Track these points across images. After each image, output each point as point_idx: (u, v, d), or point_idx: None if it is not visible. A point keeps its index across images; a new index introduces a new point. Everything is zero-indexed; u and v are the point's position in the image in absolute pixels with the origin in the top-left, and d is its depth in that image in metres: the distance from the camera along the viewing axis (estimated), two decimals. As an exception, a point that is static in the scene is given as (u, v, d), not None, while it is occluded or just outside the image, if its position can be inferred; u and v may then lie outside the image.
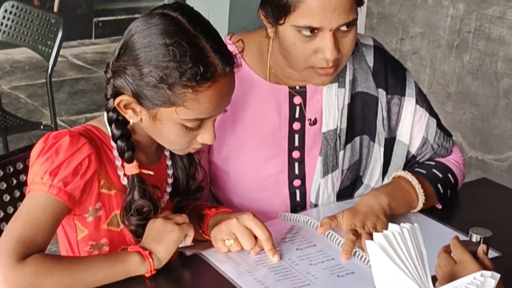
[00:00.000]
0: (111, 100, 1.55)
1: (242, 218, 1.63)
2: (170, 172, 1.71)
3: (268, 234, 1.62)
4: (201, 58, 1.46)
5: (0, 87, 5.43)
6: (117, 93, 1.53)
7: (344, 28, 1.70)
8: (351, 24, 1.71)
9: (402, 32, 3.97)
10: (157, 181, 1.67)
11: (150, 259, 1.51)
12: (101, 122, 1.61)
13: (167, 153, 1.71)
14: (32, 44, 3.64)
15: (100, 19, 7.13)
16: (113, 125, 1.56)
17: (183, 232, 1.57)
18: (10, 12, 3.71)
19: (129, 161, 1.57)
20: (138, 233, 1.59)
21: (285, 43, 1.74)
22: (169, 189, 1.70)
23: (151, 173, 1.61)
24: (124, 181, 1.59)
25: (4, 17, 3.72)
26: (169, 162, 1.71)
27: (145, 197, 1.58)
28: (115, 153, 1.58)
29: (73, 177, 1.49)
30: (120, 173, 1.59)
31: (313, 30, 1.68)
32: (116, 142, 1.57)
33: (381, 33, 4.03)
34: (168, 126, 1.52)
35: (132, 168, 1.58)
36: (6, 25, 3.72)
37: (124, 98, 1.52)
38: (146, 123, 1.55)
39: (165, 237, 1.55)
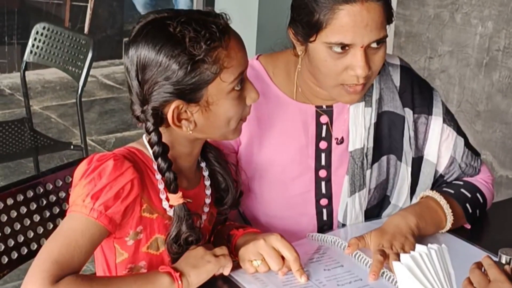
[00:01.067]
0: (154, 134, 1.54)
1: (269, 239, 1.63)
2: (208, 192, 1.71)
3: (296, 254, 1.61)
4: (207, 22, 1.51)
5: (32, 107, 5.47)
6: (158, 113, 1.54)
7: (374, 45, 1.71)
8: (381, 41, 1.72)
9: (430, 51, 3.96)
10: (198, 204, 1.67)
11: (180, 281, 1.51)
12: (142, 144, 1.61)
13: (205, 174, 1.71)
14: (62, 65, 3.67)
15: (130, 39, 7.18)
16: (159, 158, 1.55)
17: (219, 265, 1.58)
18: (42, 34, 3.75)
19: (175, 191, 1.58)
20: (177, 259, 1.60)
21: (316, 60, 1.75)
22: (206, 209, 1.70)
23: (190, 201, 1.61)
24: (170, 212, 1.59)
25: (35, 39, 3.76)
26: (207, 182, 1.71)
27: (192, 228, 1.59)
28: (158, 176, 1.58)
29: (114, 201, 1.49)
30: (162, 196, 1.59)
31: (344, 46, 1.69)
32: (163, 174, 1.57)
33: (409, 51, 4.03)
34: (223, 102, 1.54)
35: (177, 199, 1.58)
36: (38, 47, 3.76)
37: (174, 106, 1.52)
38: (200, 123, 1.56)
39: (201, 265, 1.55)
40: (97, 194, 1.48)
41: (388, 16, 1.73)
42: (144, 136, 1.61)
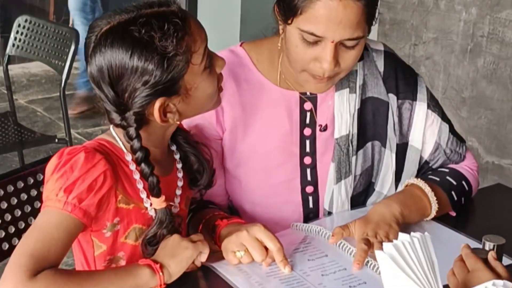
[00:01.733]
0: (136, 140, 1.53)
1: (252, 230, 1.62)
2: (180, 175, 1.70)
3: (279, 245, 1.61)
4: (165, 16, 1.51)
5: (17, 100, 5.45)
6: (141, 116, 1.53)
7: (349, 43, 1.70)
8: (356, 41, 1.70)
9: (415, 38, 3.96)
10: (172, 189, 1.67)
11: (161, 273, 1.50)
12: (111, 135, 1.61)
13: (176, 157, 1.71)
14: (45, 58, 3.65)
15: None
16: (142, 163, 1.55)
17: (197, 250, 1.57)
18: (24, 27, 3.73)
19: (158, 195, 1.57)
20: (150, 254, 1.59)
21: (288, 43, 1.75)
22: (178, 192, 1.69)
23: (176, 206, 1.64)
24: (151, 212, 1.59)
25: (18, 32, 3.73)
26: (179, 165, 1.70)
27: (173, 231, 1.59)
28: (132, 167, 1.58)
29: (87, 193, 1.49)
30: (140, 186, 1.58)
31: (316, 37, 1.68)
32: (147, 179, 1.56)
33: (394, 39, 4.02)
34: (199, 83, 1.56)
35: (160, 203, 1.58)
36: (20, 40, 3.73)
37: (158, 105, 1.52)
38: (183, 110, 1.57)
39: (179, 253, 1.55)
40: (70, 187, 1.48)
41: (368, 17, 1.70)
42: (111, 127, 1.60)
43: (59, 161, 1.51)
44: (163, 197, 1.58)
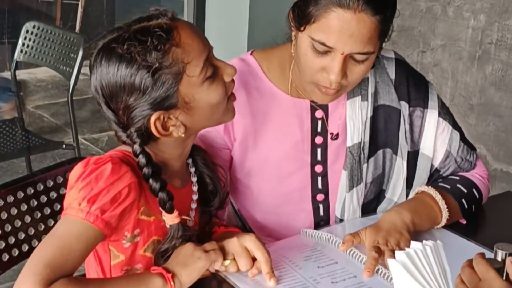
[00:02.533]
0: (141, 156, 1.53)
1: (242, 239, 1.60)
2: (194, 188, 1.69)
3: (267, 256, 1.58)
4: (149, 29, 1.48)
5: (24, 106, 5.46)
6: (142, 131, 1.52)
7: (358, 57, 1.69)
8: (366, 56, 1.69)
9: (423, 45, 3.95)
10: (188, 202, 1.67)
11: (172, 282, 1.49)
12: None
13: (192, 170, 1.70)
14: (53, 64, 3.66)
15: (122, 37, 7.16)
16: (150, 180, 1.53)
17: (209, 260, 1.56)
18: (32, 33, 3.73)
19: (170, 211, 1.56)
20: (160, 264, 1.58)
21: (299, 51, 1.74)
22: (194, 206, 1.69)
23: (188, 218, 1.62)
24: (167, 225, 1.59)
25: (25, 38, 3.74)
26: (194, 179, 1.70)
27: (184, 242, 1.58)
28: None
29: (111, 205, 1.47)
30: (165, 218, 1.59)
31: (326, 47, 1.67)
32: (157, 195, 1.54)
33: (402, 46, 4.02)
34: (200, 95, 1.52)
35: (173, 218, 1.57)
36: (28, 46, 3.74)
37: (154, 119, 1.50)
38: (188, 123, 1.55)
39: (191, 263, 1.54)
40: (93, 198, 1.46)
41: (381, 33, 1.69)
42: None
43: (84, 170, 1.49)
44: (176, 213, 1.56)
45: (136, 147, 1.53)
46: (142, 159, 1.53)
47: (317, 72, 1.72)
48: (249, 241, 1.59)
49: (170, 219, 1.57)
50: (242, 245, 1.59)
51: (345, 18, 1.63)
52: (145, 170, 1.53)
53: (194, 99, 1.52)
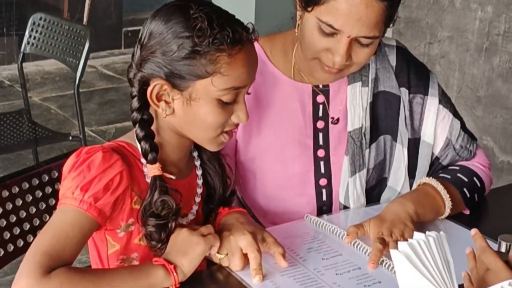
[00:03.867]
0: (136, 99, 1.55)
1: (237, 238, 1.59)
2: (199, 182, 1.70)
3: (256, 253, 1.57)
4: (228, 24, 1.49)
5: (31, 98, 5.47)
6: (146, 84, 1.54)
7: (363, 40, 1.72)
8: (372, 40, 1.72)
9: (430, 36, 3.94)
10: (190, 194, 1.67)
11: (175, 273, 1.50)
12: (132, 138, 1.60)
13: (197, 163, 1.70)
14: (60, 55, 3.66)
15: (129, 29, 7.17)
16: (137, 125, 1.56)
17: (208, 244, 1.56)
18: (38, 25, 3.73)
19: (152, 162, 1.56)
20: (154, 238, 1.57)
21: (304, 30, 1.76)
22: (198, 199, 1.69)
23: (173, 177, 1.60)
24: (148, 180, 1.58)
25: (32, 30, 3.74)
26: (199, 172, 1.70)
27: (165, 197, 1.56)
28: (146, 169, 1.57)
29: (104, 193, 1.49)
30: (148, 180, 1.58)
31: (333, 29, 1.69)
32: (140, 143, 1.56)
33: (409, 37, 4.01)
34: (205, 104, 1.52)
35: (154, 170, 1.56)
36: (35, 38, 3.74)
37: (158, 83, 1.52)
38: (178, 113, 1.55)
39: (190, 250, 1.54)
40: (86, 186, 1.48)
41: (387, 18, 1.72)
42: (135, 129, 1.60)
43: (76, 160, 1.52)
44: (157, 164, 1.56)
45: (134, 90, 1.56)
46: (135, 103, 1.55)
47: (321, 51, 1.75)
48: (244, 240, 1.58)
49: (151, 170, 1.56)
50: (236, 244, 1.58)
51: (354, 2, 1.66)
52: (135, 114, 1.55)
53: (197, 102, 1.53)
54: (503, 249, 1.44)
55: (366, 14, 1.67)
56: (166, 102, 1.54)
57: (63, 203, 1.49)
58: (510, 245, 1.45)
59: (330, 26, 1.69)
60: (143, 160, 1.57)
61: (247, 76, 1.54)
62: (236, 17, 1.57)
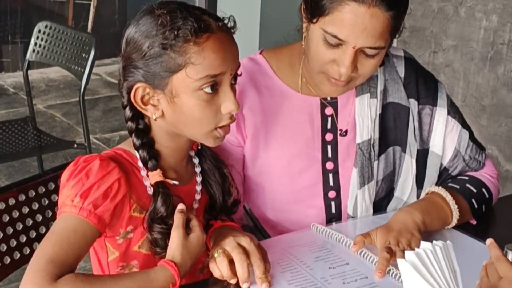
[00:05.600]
0: (128, 109, 1.58)
1: (237, 238, 1.59)
2: (198, 188, 1.70)
3: (259, 262, 1.55)
4: (191, 15, 1.51)
5: (36, 106, 5.47)
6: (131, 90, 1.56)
7: (369, 51, 1.71)
8: (377, 50, 1.72)
9: (434, 45, 3.95)
10: (190, 201, 1.67)
11: (174, 265, 1.51)
12: (130, 145, 1.62)
13: (197, 170, 1.70)
14: (65, 63, 3.67)
15: (134, 36, 7.18)
16: (133, 134, 1.58)
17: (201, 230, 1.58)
18: (44, 33, 3.74)
19: (153, 169, 1.57)
20: (159, 244, 1.57)
21: (310, 42, 1.76)
22: (195, 206, 1.69)
23: (176, 182, 1.61)
24: (150, 191, 1.59)
25: (38, 38, 3.75)
26: (198, 179, 1.70)
27: (169, 204, 1.57)
28: (143, 173, 1.58)
29: (103, 200, 1.50)
30: (150, 192, 1.58)
31: (338, 40, 1.69)
32: (138, 152, 1.58)
33: (414, 46, 4.01)
34: (187, 98, 1.53)
35: (156, 176, 1.58)
36: (40, 45, 3.75)
37: (139, 86, 1.54)
38: (168, 114, 1.56)
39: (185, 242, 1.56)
40: (85, 193, 1.49)
41: (393, 29, 1.72)
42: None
43: (74, 168, 1.53)
44: (158, 171, 1.58)
45: (124, 100, 1.58)
46: (128, 113, 1.58)
47: (327, 63, 1.74)
48: (244, 242, 1.58)
49: (152, 177, 1.58)
50: (237, 242, 1.57)
51: (359, 12, 1.65)
52: (129, 123, 1.58)
53: (179, 97, 1.53)
54: (510, 258, 1.44)
55: (371, 24, 1.67)
56: (153, 105, 1.56)
57: (63, 211, 1.50)
58: None
59: (335, 37, 1.69)
60: (140, 164, 1.59)
61: (222, 62, 1.53)
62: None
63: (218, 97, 1.55)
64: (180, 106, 1.54)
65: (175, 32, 1.49)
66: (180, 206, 1.57)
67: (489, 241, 1.45)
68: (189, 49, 1.50)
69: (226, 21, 1.57)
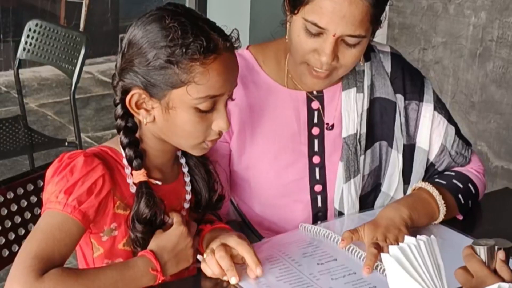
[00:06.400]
0: (119, 107, 1.58)
1: (223, 238, 1.62)
2: (188, 188, 1.71)
3: (248, 248, 1.59)
4: (202, 33, 1.50)
5: (28, 104, 5.47)
6: (127, 92, 1.56)
7: (349, 40, 1.73)
8: (358, 39, 1.73)
9: (424, 42, 3.95)
10: (176, 199, 1.68)
11: (154, 259, 1.54)
12: (116, 142, 1.62)
13: (185, 170, 1.71)
14: (56, 62, 3.67)
15: (126, 35, 7.17)
16: (121, 132, 1.58)
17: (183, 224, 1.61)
18: (34, 31, 3.74)
19: (137, 168, 1.58)
20: (139, 244, 1.59)
21: (292, 33, 1.77)
22: (186, 205, 1.70)
23: (159, 183, 1.62)
24: (133, 189, 1.59)
25: (28, 36, 3.75)
26: (187, 179, 1.71)
27: (152, 205, 1.58)
28: (127, 171, 1.59)
29: (87, 196, 1.51)
30: (132, 190, 1.59)
31: (318, 29, 1.71)
32: (124, 150, 1.58)
33: (403, 43, 4.02)
34: (182, 113, 1.54)
35: (139, 176, 1.58)
36: (31, 44, 3.74)
37: (136, 92, 1.54)
38: (159, 121, 1.57)
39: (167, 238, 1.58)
40: (70, 190, 1.50)
41: (373, 18, 1.73)
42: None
43: (59, 165, 1.54)
44: (143, 170, 1.58)
45: (117, 98, 1.58)
46: (119, 110, 1.58)
47: (308, 53, 1.76)
48: (230, 240, 1.60)
49: (136, 177, 1.58)
50: (222, 242, 1.60)
51: (338, 0, 1.67)
52: (119, 121, 1.58)
53: (174, 110, 1.54)
54: (482, 256, 1.38)
55: (350, 11, 1.68)
56: (146, 110, 1.56)
57: (48, 207, 1.51)
58: (486, 248, 1.40)
59: (315, 24, 1.70)
60: (124, 162, 1.59)
61: (223, 84, 1.54)
62: (230, 25, 1.59)
63: (211, 114, 1.57)
64: (173, 117, 1.55)
65: (184, 50, 1.49)
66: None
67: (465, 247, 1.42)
68: (194, 68, 1.50)
69: (230, 35, 1.57)
